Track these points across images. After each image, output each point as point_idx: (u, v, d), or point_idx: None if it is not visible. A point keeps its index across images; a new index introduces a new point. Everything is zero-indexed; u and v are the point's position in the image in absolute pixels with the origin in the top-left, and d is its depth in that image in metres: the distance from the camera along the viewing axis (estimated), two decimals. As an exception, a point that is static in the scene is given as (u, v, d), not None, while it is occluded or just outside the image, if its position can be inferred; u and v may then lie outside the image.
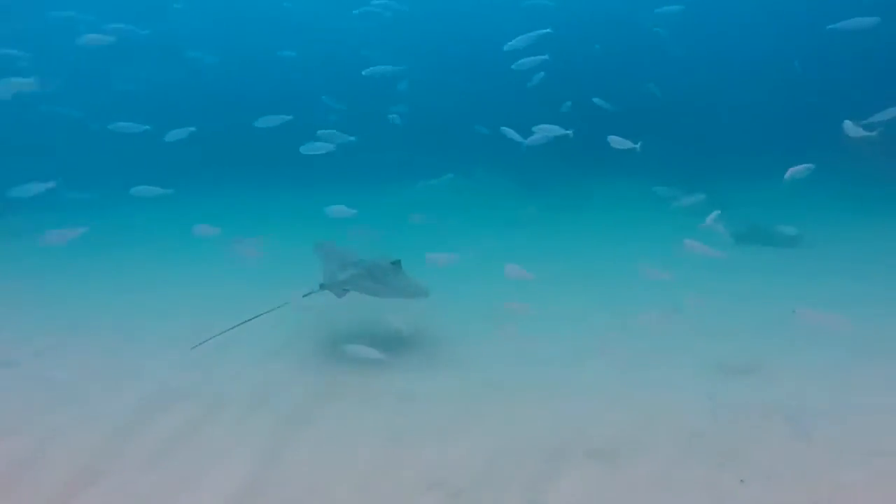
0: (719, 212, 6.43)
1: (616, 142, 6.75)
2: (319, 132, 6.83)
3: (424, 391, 4.91)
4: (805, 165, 5.66)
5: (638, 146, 6.64)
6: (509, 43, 6.84)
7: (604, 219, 12.23)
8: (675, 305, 6.00)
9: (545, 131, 6.79)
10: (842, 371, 5.16)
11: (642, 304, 6.62)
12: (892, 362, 5.29)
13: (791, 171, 5.71)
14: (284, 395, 4.84)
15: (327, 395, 4.84)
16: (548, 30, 6.81)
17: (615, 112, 10.55)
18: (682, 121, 15.73)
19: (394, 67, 8.70)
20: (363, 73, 8.46)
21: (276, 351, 5.78)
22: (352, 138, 6.71)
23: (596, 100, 10.00)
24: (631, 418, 4.43)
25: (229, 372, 5.26)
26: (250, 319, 5.22)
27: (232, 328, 5.16)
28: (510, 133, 7.13)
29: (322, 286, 5.48)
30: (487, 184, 15.08)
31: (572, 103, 10.45)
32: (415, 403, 4.74)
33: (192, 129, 6.85)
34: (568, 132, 6.66)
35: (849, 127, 5.50)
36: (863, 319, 6.17)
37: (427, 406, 4.68)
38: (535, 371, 5.27)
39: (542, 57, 6.88)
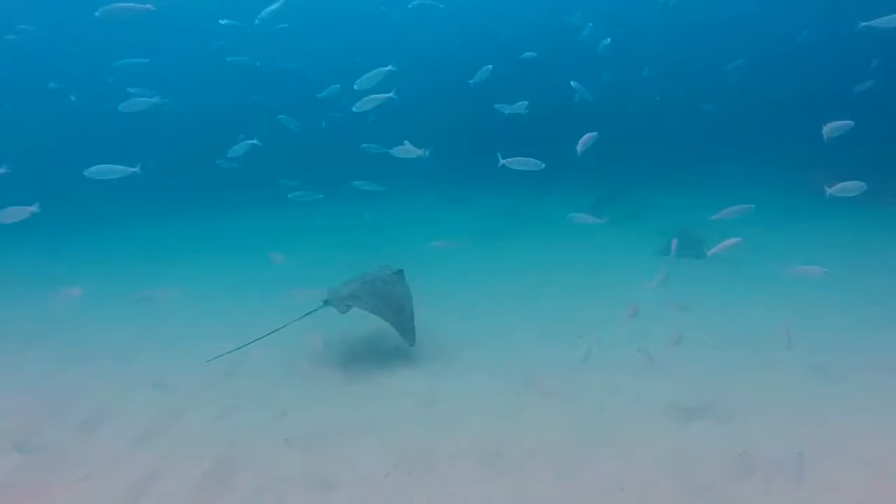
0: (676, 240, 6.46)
1: (402, 151, 6.82)
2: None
3: (342, 476, 3.96)
4: (857, 183, 5.61)
5: (425, 152, 6.68)
6: (357, 81, 6.97)
7: (548, 233, 11.55)
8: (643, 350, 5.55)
9: (404, 152, 6.83)
10: (797, 401, 4.71)
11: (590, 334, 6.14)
12: (845, 389, 4.90)
13: (838, 187, 5.58)
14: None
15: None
16: (390, 67, 6.96)
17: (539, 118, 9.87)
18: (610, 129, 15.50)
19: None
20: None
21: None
22: (134, 170, 6.30)
23: (498, 106, 9.32)
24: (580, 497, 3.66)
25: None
26: (257, 340, 5.47)
27: (242, 347, 5.50)
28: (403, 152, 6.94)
29: (325, 303, 5.61)
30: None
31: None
32: (329, 493, 3.78)
33: None
34: (423, 152, 6.74)
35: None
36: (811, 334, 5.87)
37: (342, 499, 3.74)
38: (466, 439, 4.40)
39: (388, 94, 6.88)
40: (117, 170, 6.12)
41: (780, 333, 5.31)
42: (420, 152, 6.62)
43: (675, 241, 6.46)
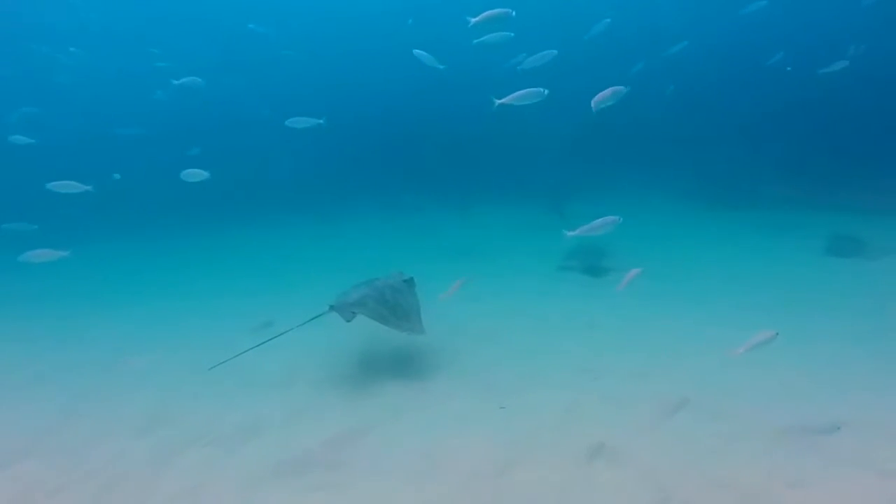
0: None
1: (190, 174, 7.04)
2: None
3: None
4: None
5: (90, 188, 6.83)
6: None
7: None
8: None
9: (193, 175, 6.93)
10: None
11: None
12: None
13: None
14: None
15: None
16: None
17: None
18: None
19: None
20: None
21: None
22: None
23: (290, 121, 8.20)
24: None
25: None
26: (260, 345, 5.30)
27: (244, 352, 5.31)
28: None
29: (331, 308, 5.33)
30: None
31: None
32: None
33: None
34: (207, 175, 7.07)
35: None
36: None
37: None
38: None
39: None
40: None
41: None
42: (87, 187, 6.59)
43: (633, 272, 5.79)
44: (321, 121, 7.67)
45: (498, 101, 5.99)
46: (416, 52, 7.84)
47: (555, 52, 7.02)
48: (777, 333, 4.26)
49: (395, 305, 5.34)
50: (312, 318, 5.33)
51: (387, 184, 16.35)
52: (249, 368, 5.84)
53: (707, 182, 14.12)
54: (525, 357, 5.95)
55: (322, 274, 9.74)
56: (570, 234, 5.71)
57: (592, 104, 5.61)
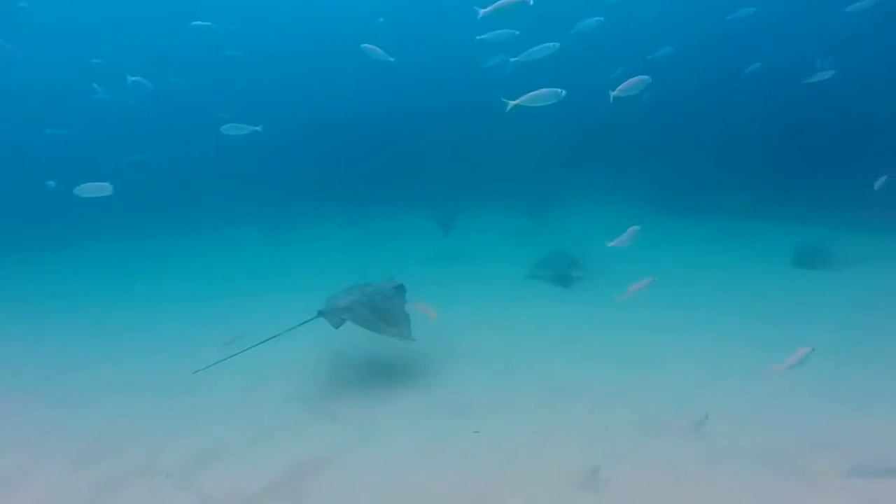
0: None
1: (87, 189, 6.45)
2: None
3: None
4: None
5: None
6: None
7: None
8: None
9: (91, 190, 6.45)
10: None
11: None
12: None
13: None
14: None
15: None
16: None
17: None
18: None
19: None
20: None
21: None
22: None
23: (225, 128, 7.65)
24: None
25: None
26: (247, 349, 5.21)
27: (230, 357, 5.20)
28: None
29: (320, 313, 5.22)
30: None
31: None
32: None
33: None
34: (108, 185, 6.45)
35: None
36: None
37: None
38: None
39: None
40: None
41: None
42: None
43: (643, 282, 5.63)
44: (258, 128, 7.26)
45: (511, 103, 5.42)
46: (364, 46, 7.39)
47: (557, 44, 6.52)
48: (813, 349, 4.19)
49: (385, 311, 5.24)
50: (302, 323, 5.14)
51: (371, 189, 15.97)
52: (210, 385, 5.48)
53: (671, 191, 14.13)
54: (499, 374, 5.71)
55: (305, 278, 9.41)
56: (610, 244, 5.87)
57: (616, 92, 5.47)
